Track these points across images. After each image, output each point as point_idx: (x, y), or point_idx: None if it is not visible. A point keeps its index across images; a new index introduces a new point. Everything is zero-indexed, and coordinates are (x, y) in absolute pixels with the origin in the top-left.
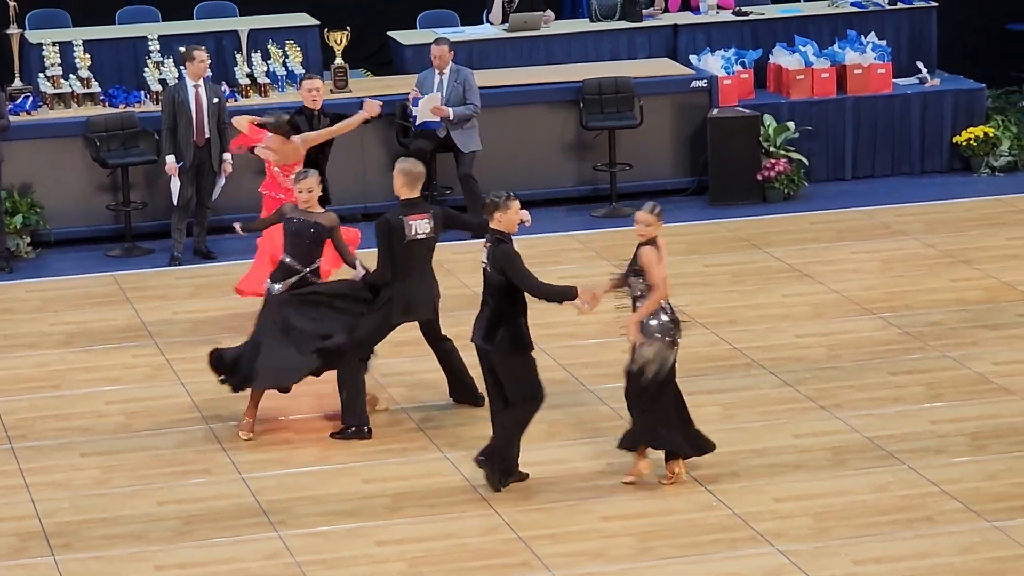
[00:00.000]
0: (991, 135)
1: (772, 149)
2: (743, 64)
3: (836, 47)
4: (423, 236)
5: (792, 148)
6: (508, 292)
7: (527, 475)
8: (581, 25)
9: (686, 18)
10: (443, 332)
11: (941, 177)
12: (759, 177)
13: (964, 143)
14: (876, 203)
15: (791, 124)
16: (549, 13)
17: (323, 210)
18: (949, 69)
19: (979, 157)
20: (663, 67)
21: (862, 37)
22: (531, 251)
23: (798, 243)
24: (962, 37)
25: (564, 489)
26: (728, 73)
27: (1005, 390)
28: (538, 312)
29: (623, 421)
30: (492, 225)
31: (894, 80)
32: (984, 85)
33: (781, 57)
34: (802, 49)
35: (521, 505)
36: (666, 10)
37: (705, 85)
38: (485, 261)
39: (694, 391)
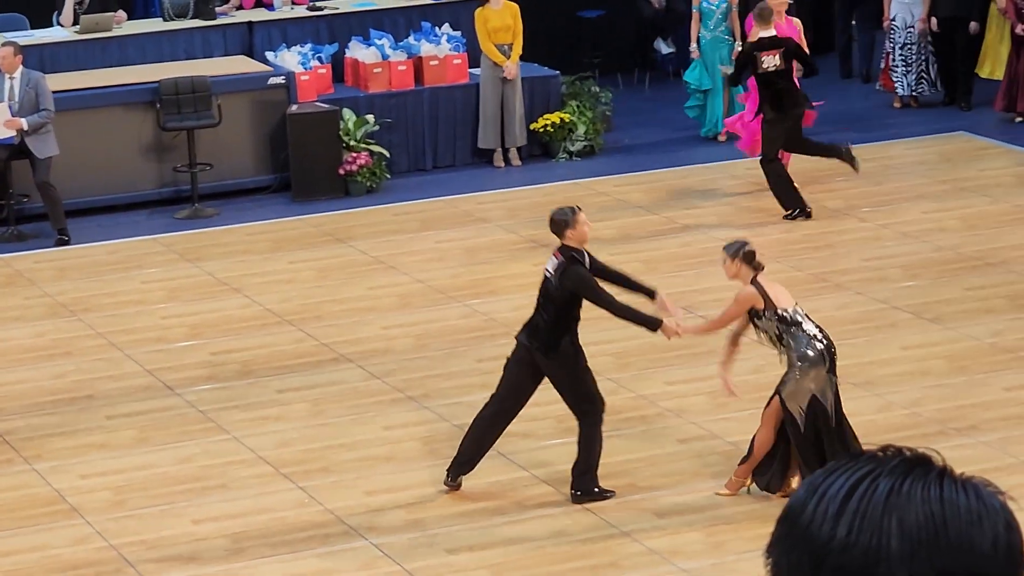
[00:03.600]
0: (567, 120)
1: (353, 143)
2: (320, 59)
3: (412, 39)
4: None
5: (373, 141)
6: (570, 304)
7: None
8: (154, 25)
9: (261, 15)
10: None
11: (521, 163)
12: (341, 171)
13: (541, 129)
14: (458, 192)
15: (370, 117)
16: (121, 13)
17: None
18: (524, 57)
19: (557, 142)
20: (240, 65)
21: (437, 29)
22: (113, 256)
23: (382, 235)
24: (535, 25)
25: (154, 495)
26: (305, 68)
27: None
28: (123, 318)
29: (213, 423)
30: (564, 242)
31: (470, 70)
32: (558, 72)
33: (358, 51)
34: (378, 42)
35: (111, 513)
36: (240, 7)
37: (283, 81)
38: (551, 272)
39: (283, 389)
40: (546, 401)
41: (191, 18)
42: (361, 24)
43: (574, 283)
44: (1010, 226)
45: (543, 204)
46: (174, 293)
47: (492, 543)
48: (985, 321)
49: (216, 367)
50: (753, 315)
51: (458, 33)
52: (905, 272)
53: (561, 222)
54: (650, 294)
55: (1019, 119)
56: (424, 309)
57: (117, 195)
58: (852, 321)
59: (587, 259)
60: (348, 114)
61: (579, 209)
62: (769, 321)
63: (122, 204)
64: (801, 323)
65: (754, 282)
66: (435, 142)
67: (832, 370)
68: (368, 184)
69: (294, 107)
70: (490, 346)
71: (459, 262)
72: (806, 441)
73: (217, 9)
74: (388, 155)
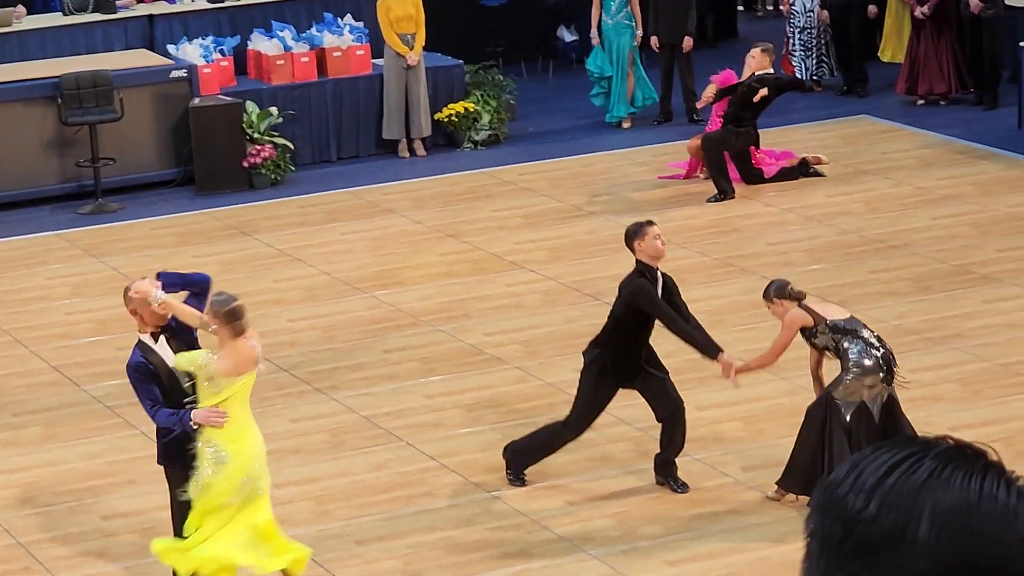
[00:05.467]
0: (472, 110)
1: (256, 135)
2: (222, 52)
3: (314, 30)
4: None
5: (276, 133)
6: (623, 320)
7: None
8: (54, 19)
9: (161, 8)
10: None
11: (426, 153)
12: (245, 164)
13: (446, 119)
14: (363, 183)
15: (274, 109)
16: (20, 8)
17: None
18: (427, 47)
19: (461, 132)
20: (141, 58)
21: (339, 20)
22: (17, 253)
23: (287, 227)
24: (438, 14)
25: (62, 491)
26: (207, 61)
27: (498, 360)
28: (28, 315)
29: (120, 418)
30: (636, 256)
31: (373, 61)
32: (462, 61)
33: (260, 43)
34: (280, 34)
35: (19, 510)
36: (140, 0)
37: (185, 74)
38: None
39: None
40: (455, 391)
41: (91, 12)
42: (263, 16)
43: (631, 292)
44: (913, 209)
45: (449, 194)
46: (79, 289)
47: (401, 533)
48: (889, 303)
49: (122, 362)
50: (809, 335)
51: (360, 24)
52: (810, 256)
53: (629, 233)
54: (712, 353)
55: (921, 102)
56: (330, 301)
57: (19, 191)
58: (758, 305)
59: (659, 279)
60: (251, 106)
61: (652, 223)
62: (824, 335)
63: (25, 200)
64: (856, 330)
65: (800, 305)
66: (339, 133)
67: (888, 380)
68: (272, 177)
69: (196, 100)
70: (397, 337)
71: (365, 253)
72: (820, 441)
73: (117, 3)
74: (292, 147)
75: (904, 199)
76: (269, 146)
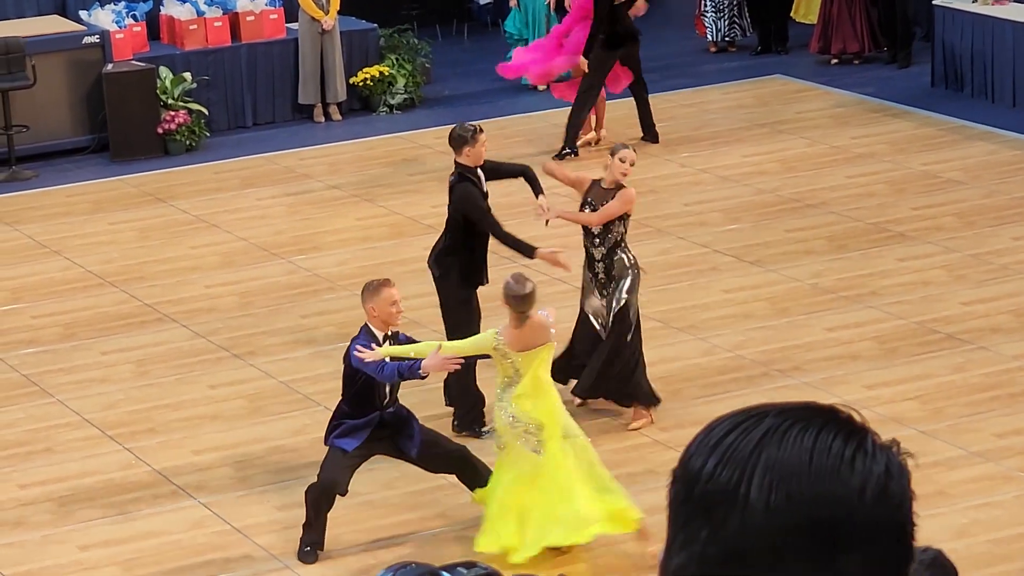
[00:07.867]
0: (387, 74)
1: (171, 101)
2: (135, 17)
3: None
4: None
5: (191, 99)
6: (458, 225)
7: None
8: None
9: None
10: None
11: (342, 118)
12: (160, 130)
13: (361, 83)
14: (279, 148)
15: (188, 75)
16: None
17: None
18: (341, 11)
19: (377, 96)
20: (54, 24)
21: None
22: None
23: (203, 194)
24: None
25: None
26: (120, 27)
27: (415, 323)
28: None
29: (36, 387)
30: (459, 159)
31: (287, 25)
32: (376, 25)
33: (173, 8)
34: None
35: None
36: None
37: (98, 40)
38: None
39: (107, 350)
40: None
41: None
42: None
43: (461, 200)
44: (828, 167)
45: (365, 159)
46: None
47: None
48: (805, 263)
49: (38, 331)
50: (624, 218)
51: None
52: (726, 216)
53: (458, 138)
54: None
55: (835, 61)
56: (247, 267)
57: None
58: (674, 266)
59: (481, 176)
60: (165, 72)
61: (481, 130)
62: (622, 225)
63: None
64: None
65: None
66: (254, 99)
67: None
68: (188, 143)
69: (110, 66)
70: (314, 302)
71: (282, 219)
72: (633, 342)
73: None
74: (207, 113)
75: (819, 158)
76: (183, 112)
